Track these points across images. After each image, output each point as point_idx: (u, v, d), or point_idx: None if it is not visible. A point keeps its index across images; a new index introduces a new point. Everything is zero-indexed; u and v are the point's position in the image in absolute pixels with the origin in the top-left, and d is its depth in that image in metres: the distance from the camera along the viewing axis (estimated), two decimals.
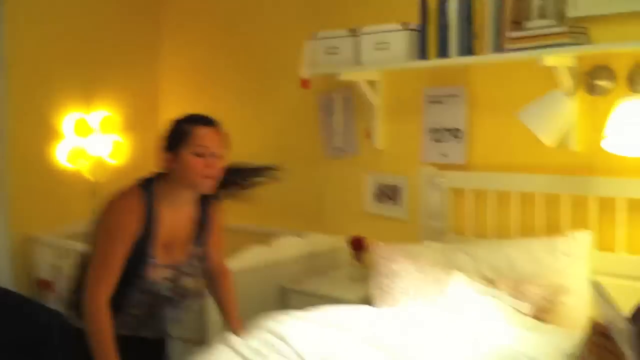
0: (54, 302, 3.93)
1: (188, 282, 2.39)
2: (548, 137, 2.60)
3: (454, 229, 3.26)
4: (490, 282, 2.69)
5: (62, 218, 4.29)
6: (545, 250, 2.74)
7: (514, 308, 2.51)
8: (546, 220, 2.93)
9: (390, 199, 3.55)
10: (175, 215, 2.34)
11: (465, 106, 3.17)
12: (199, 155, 2.25)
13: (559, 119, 2.60)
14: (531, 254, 2.76)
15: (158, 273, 2.31)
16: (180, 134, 2.28)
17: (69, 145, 4.33)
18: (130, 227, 2.22)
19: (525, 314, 2.50)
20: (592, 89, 2.75)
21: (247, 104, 4.23)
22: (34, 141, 4.20)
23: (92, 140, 4.40)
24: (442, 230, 3.28)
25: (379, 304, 2.79)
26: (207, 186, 2.30)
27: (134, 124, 4.63)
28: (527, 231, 2.98)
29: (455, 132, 3.20)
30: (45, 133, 4.27)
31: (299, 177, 3.95)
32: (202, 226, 2.41)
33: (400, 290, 2.75)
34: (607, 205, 2.75)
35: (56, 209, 4.29)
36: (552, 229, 2.89)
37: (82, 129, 4.37)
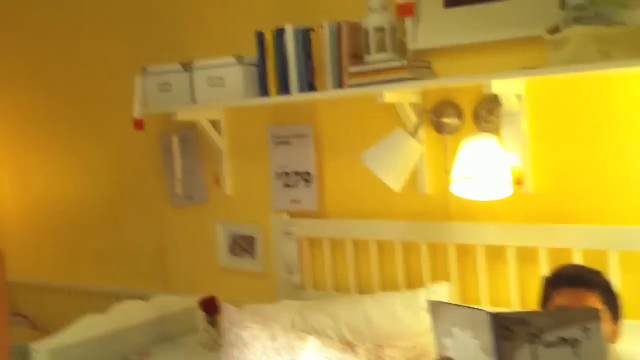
0: None
1: None
2: (393, 181, 2.33)
3: (312, 283, 2.95)
4: (350, 346, 2.37)
5: None
6: (405, 306, 2.47)
7: None
8: (406, 271, 2.65)
9: (245, 251, 3.19)
10: None
11: (314, 147, 2.85)
12: None
13: (403, 160, 2.33)
14: (390, 311, 2.48)
15: None
16: None
17: None
18: None
19: None
20: (439, 127, 2.50)
21: (77, 149, 3.79)
22: None
23: None
24: (299, 284, 2.95)
25: None
26: None
27: None
28: (388, 283, 2.70)
29: (305, 176, 2.88)
30: None
31: (140, 228, 3.56)
32: None
33: None
34: (466, 253, 2.50)
35: None
36: (413, 280, 2.62)
37: None
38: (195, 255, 3.38)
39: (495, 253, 2.43)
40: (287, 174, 2.94)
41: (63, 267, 3.92)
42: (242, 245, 3.19)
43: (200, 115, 3.04)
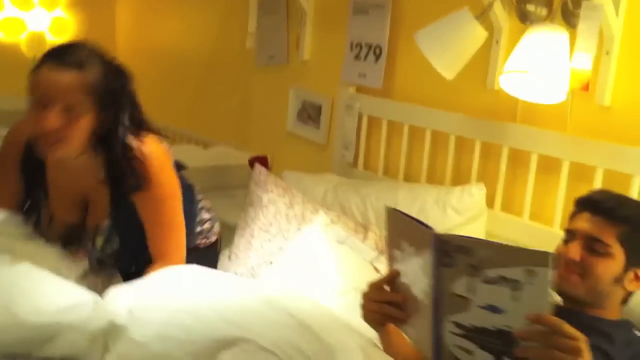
0: None
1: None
2: (444, 67, 2.09)
3: (364, 162, 2.81)
4: (363, 227, 2.26)
5: None
6: (435, 201, 2.28)
7: (370, 263, 2.09)
8: (456, 167, 2.45)
9: (311, 119, 3.10)
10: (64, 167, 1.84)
11: (389, 20, 2.63)
12: (37, 104, 1.65)
13: (460, 46, 2.07)
14: (419, 203, 2.30)
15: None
16: (31, 73, 1.68)
17: (6, 16, 3.99)
18: None
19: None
20: (523, 16, 2.20)
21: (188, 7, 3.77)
22: None
23: (33, 13, 4.05)
24: (352, 161, 2.83)
25: (237, 237, 2.41)
26: (43, 154, 1.72)
27: (82, 1, 4.24)
28: (436, 176, 2.52)
29: (376, 50, 2.69)
30: None
31: (229, 85, 3.55)
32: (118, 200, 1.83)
33: (261, 225, 2.35)
34: (520, 159, 2.26)
35: None
36: (461, 178, 2.43)
37: (23, 1, 4.00)
38: (268, 116, 3.34)
39: (550, 165, 2.17)
40: (360, 45, 2.76)
41: (155, 110, 4.03)
42: (310, 113, 3.10)
43: None
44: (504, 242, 1.22)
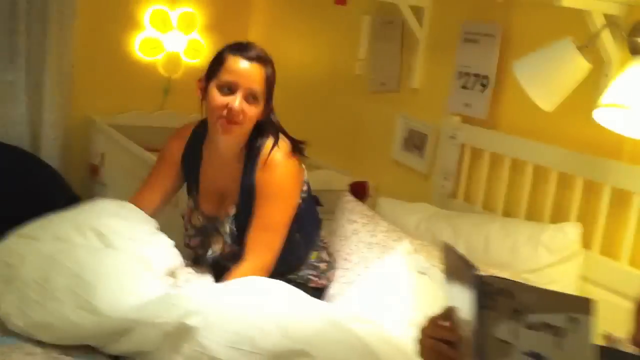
0: (97, 186, 4.01)
1: (217, 248, 2.14)
2: (542, 99, 2.02)
3: (463, 194, 2.75)
4: None
5: (127, 107, 4.31)
6: (527, 238, 2.20)
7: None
8: (556, 204, 2.34)
9: (416, 147, 3.07)
10: (217, 163, 2.11)
11: (499, 49, 2.58)
12: (222, 90, 1.96)
13: (561, 77, 1.98)
14: (511, 240, 2.23)
15: (193, 220, 2.18)
16: (216, 62, 2.01)
17: (145, 37, 4.29)
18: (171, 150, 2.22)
19: None
20: (635, 48, 2.08)
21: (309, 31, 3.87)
22: (110, 27, 4.20)
23: (170, 35, 4.32)
24: (452, 192, 2.78)
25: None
26: (223, 130, 1.97)
27: (217, 24, 4.47)
28: (536, 212, 2.42)
29: (483, 80, 2.64)
30: (124, 21, 4.24)
31: (342, 109, 3.58)
32: (246, 190, 2.05)
33: (344, 255, 2.35)
34: (623, 200, 2.13)
35: (123, 97, 4.31)
36: (561, 215, 2.32)
37: (162, 23, 4.29)
38: (376, 143, 3.35)
39: None
40: (467, 74, 2.72)
41: None
42: (415, 142, 3.08)
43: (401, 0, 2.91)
44: (548, 289, 1.15)
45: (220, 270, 2.11)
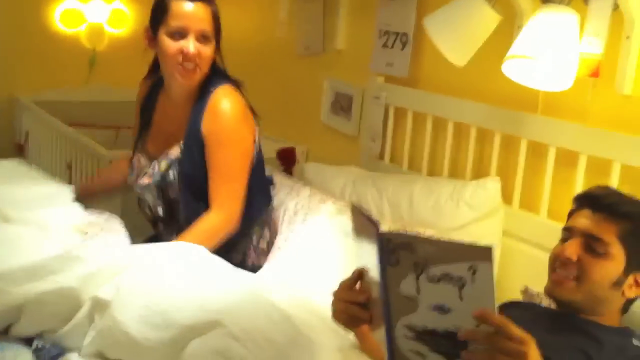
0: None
1: (144, 181, 2.09)
2: (454, 54, 2.00)
3: (390, 155, 2.74)
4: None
5: (52, 82, 4.17)
6: (449, 195, 2.20)
7: None
8: (478, 159, 2.36)
9: (343, 110, 3.05)
10: (169, 106, 2.10)
11: (416, 5, 2.55)
12: (174, 36, 1.93)
13: (470, 31, 1.97)
14: (434, 197, 2.23)
15: (140, 160, 2.14)
16: (159, 9, 1.97)
17: (65, 8, 4.14)
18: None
19: None
20: None
21: None
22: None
23: (92, 5, 4.18)
24: (379, 154, 2.78)
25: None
26: (183, 77, 1.97)
27: None
28: (459, 169, 2.43)
29: (402, 38, 2.62)
30: None
31: (273, 74, 3.53)
32: (192, 133, 2.01)
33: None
34: (539, 152, 2.14)
35: (47, 72, 4.16)
36: (483, 170, 2.33)
37: None
38: (305, 108, 3.31)
39: (568, 159, 2.04)
40: (388, 33, 2.70)
41: None
42: (342, 104, 3.06)
43: None
44: (448, 239, 1.14)
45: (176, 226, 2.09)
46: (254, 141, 2.08)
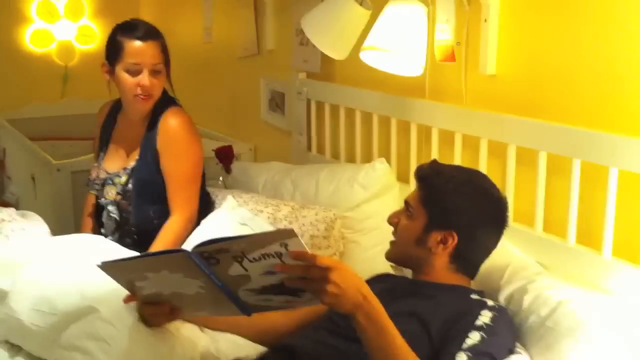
0: (5, 179, 4.12)
1: (110, 195, 2.33)
2: (331, 49, 2.14)
3: (316, 147, 2.89)
4: (277, 205, 2.36)
5: (28, 100, 4.39)
6: (346, 179, 2.34)
7: None
8: (381, 144, 2.49)
9: (278, 107, 3.20)
10: (127, 127, 2.35)
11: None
12: (130, 72, 2.19)
13: (343, 28, 2.10)
14: (335, 182, 2.38)
15: (98, 174, 2.37)
16: (114, 48, 2.22)
17: (34, 29, 4.36)
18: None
19: None
20: None
21: None
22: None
23: (59, 24, 4.40)
24: (306, 146, 2.92)
25: None
26: (140, 106, 2.25)
27: (106, 7, 4.54)
28: (367, 154, 2.56)
29: None
30: (12, 15, 4.32)
31: (221, 77, 3.69)
32: (147, 147, 2.27)
33: None
34: (425, 133, 2.27)
35: (22, 90, 4.39)
36: (386, 154, 2.46)
37: (49, 13, 4.36)
38: (248, 107, 3.47)
39: (447, 138, 2.17)
40: (302, 32, 2.82)
41: None
42: (277, 101, 3.20)
43: None
44: (251, 233, 1.35)
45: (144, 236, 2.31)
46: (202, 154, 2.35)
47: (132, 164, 2.30)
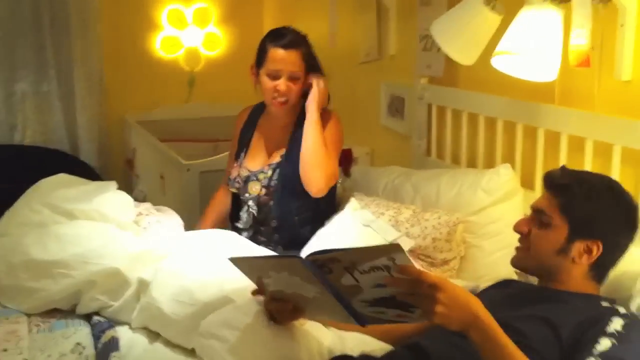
0: (134, 178, 4.38)
1: (253, 190, 2.50)
2: (460, 55, 2.15)
3: (437, 152, 2.90)
4: (398, 209, 2.39)
5: (156, 103, 4.64)
6: (469, 184, 2.35)
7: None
8: (506, 150, 2.47)
9: (398, 112, 3.23)
10: (270, 126, 2.55)
11: (446, 9, 2.67)
12: (271, 77, 2.39)
13: (473, 33, 2.10)
14: (457, 187, 2.39)
15: (240, 172, 2.55)
16: (261, 53, 2.44)
17: (164, 35, 4.60)
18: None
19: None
20: None
21: None
22: (131, 30, 4.53)
23: (187, 31, 4.62)
24: (425, 151, 2.94)
25: None
26: (276, 109, 2.45)
27: (231, 15, 4.72)
28: (490, 160, 2.55)
29: None
30: (144, 22, 4.56)
31: (342, 81, 3.74)
32: (296, 138, 2.44)
33: None
34: (554, 140, 2.24)
35: (151, 94, 4.63)
36: (509, 160, 2.44)
37: (178, 21, 4.59)
38: (367, 111, 3.52)
39: (578, 145, 2.13)
40: (427, 37, 2.85)
41: None
42: (397, 106, 3.24)
43: None
44: (361, 246, 1.38)
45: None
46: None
47: (277, 159, 2.46)
